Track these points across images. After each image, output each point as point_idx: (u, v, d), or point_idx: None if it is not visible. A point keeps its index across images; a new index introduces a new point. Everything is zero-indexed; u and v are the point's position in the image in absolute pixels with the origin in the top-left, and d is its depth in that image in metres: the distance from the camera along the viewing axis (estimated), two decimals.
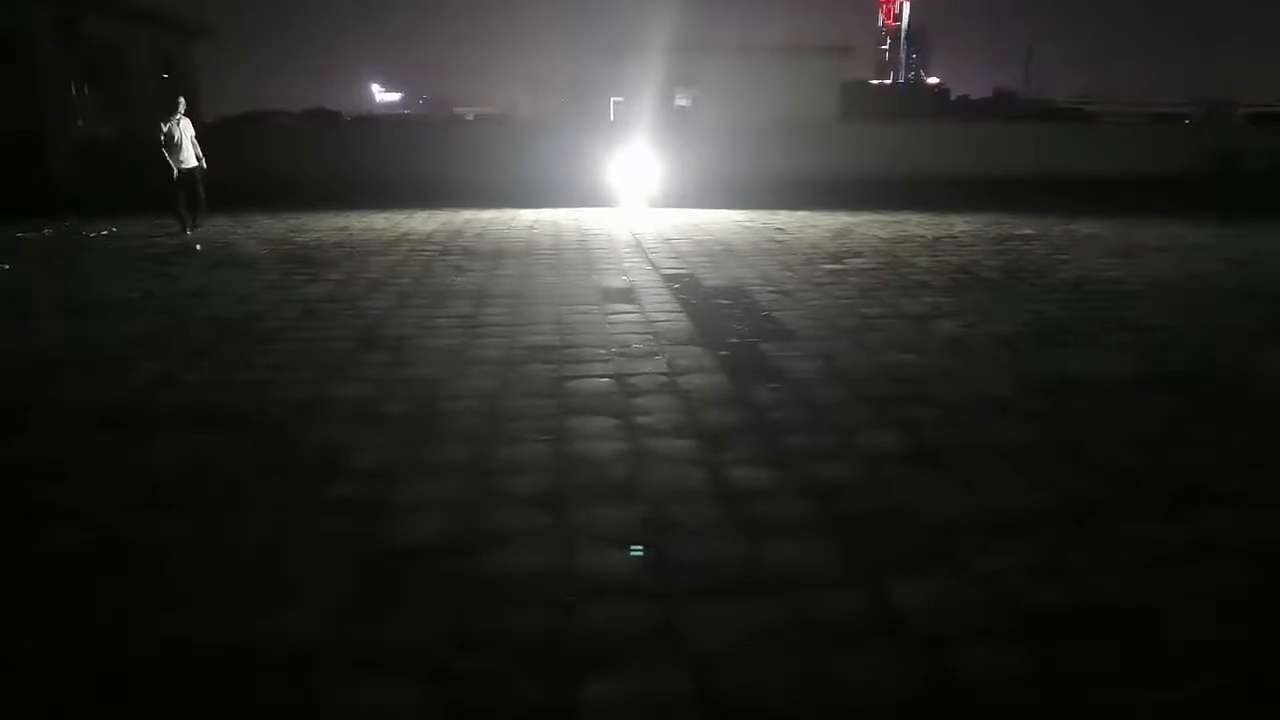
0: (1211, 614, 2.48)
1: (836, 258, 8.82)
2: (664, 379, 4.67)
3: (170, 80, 17.48)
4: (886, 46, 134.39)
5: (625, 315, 6.21)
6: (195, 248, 9.63)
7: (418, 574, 2.69)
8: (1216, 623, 2.44)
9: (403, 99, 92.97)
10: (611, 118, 24.40)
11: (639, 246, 9.69)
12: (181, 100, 10.45)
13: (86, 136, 15.06)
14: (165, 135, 10.14)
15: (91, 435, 3.89)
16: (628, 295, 6.93)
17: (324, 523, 3.03)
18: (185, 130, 10.34)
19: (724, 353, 5.20)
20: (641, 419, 4.03)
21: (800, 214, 12.77)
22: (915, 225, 11.49)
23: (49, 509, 3.16)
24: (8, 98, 14.23)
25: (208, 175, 10.54)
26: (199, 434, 3.87)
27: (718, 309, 6.45)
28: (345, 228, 11.26)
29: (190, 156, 10.35)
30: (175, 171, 10.19)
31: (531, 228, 11.36)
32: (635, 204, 14.37)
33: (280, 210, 12.96)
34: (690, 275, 7.85)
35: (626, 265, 8.42)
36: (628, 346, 5.34)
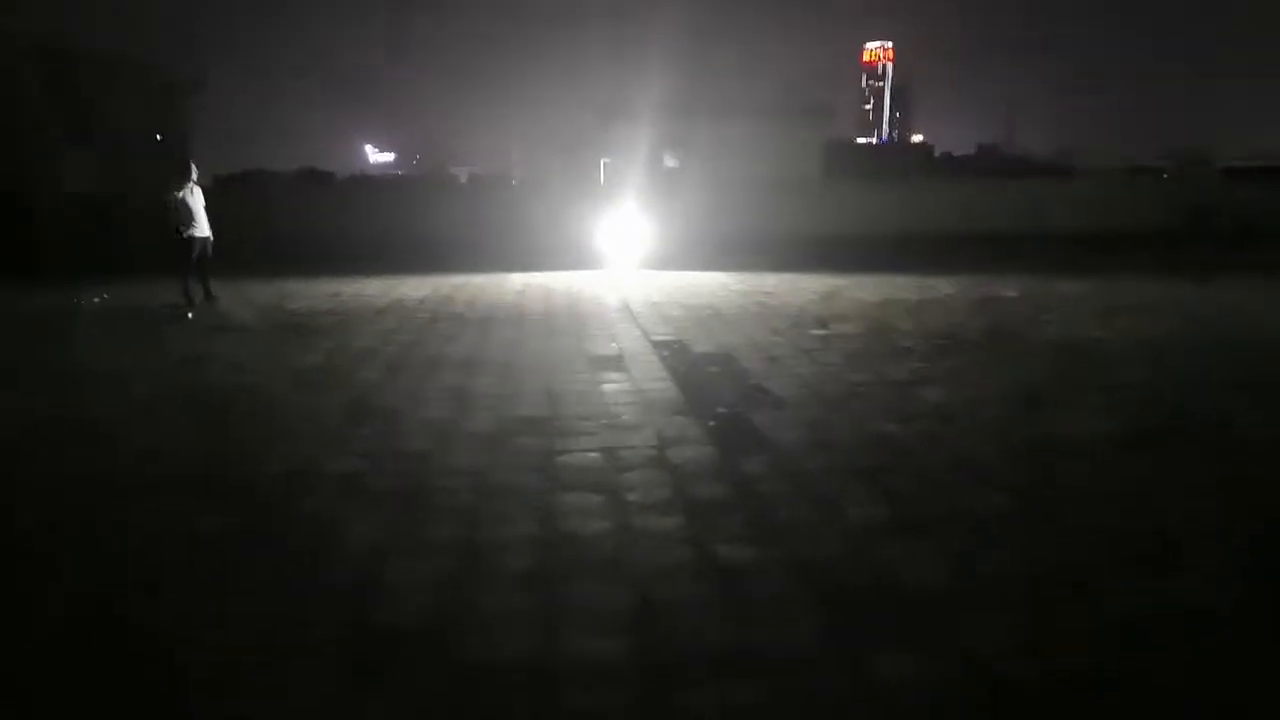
0: (1197, 682, 2.50)
1: (823, 322, 8.94)
2: (653, 451, 4.71)
3: (166, 142, 17.72)
4: (870, 105, 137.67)
5: (615, 384, 6.28)
6: (188, 315, 9.70)
7: (403, 656, 2.68)
8: (1202, 692, 2.46)
9: (396, 159, 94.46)
10: (601, 179, 24.85)
11: (628, 311, 9.81)
12: (194, 167, 10.39)
13: (77, 196, 15.16)
14: (179, 203, 9.96)
15: (78, 509, 3.88)
16: (617, 363, 7.00)
17: (309, 603, 3.03)
18: (197, 199, 10.19)
19: (712, 423, 5.25)
20: (630, 495, 4.06)
21: (787, 276, 12.96)
22: (900, 287, 11.67)
23: (31, 585, 3.15)
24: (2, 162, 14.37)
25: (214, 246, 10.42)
26: (188, 509, 3.87)
27: (706, 377, 6.52)
28: (337, 293, 11.37)
29: (204, 225, 10.18)
30: (191, 241, 9.99)
31: (522, 292, 11.50)
32: (625, 266, 14.57)
33: (273, 275, 13.09)
34: (679, 341, 7.95)
35: (616, 331, 8.52)
36: (617, 417, 5.38)
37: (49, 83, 14.70)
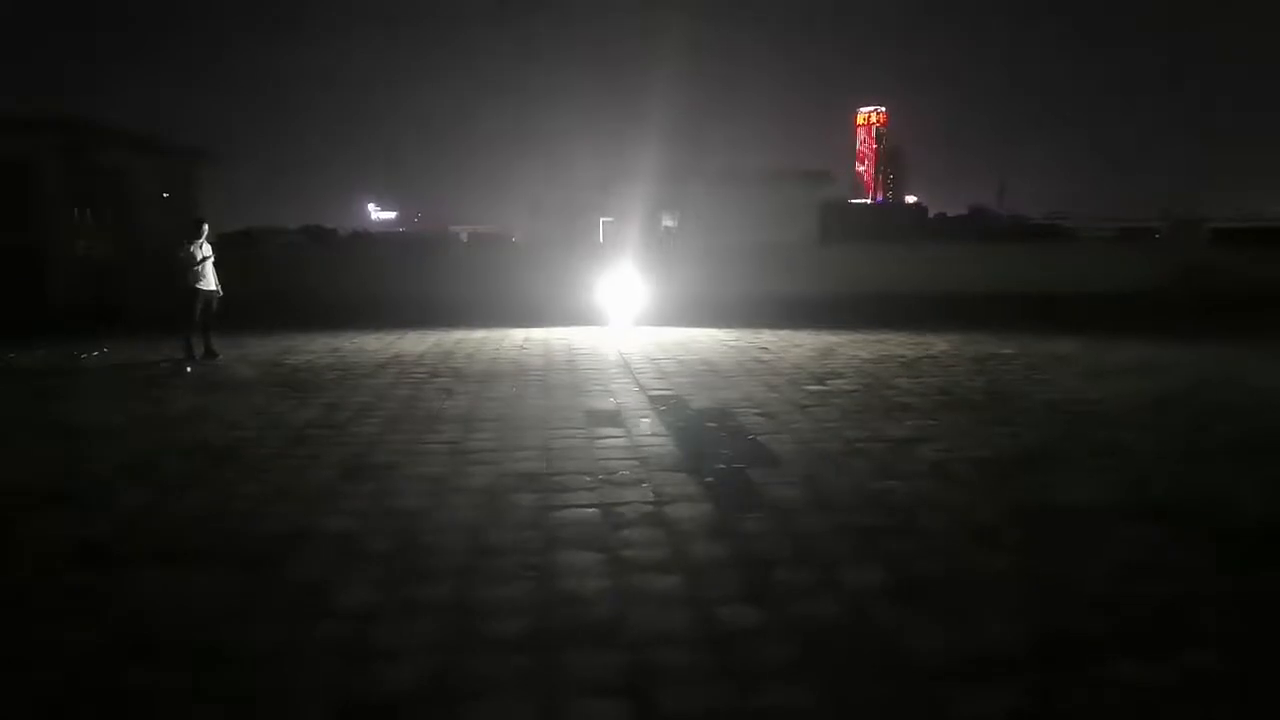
0: None
1: (820, 379, 8.97)
2: (650, 508, 4.68)
3: (173, 199, 18.02)
4: (865, 168, 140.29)
5: (612, 440, 6.27)
6: (187, 370, 9.72)
7: None
8: None
9: (398, 216, 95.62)
10: (601, 238, 25.17)
11: (626, 367, 9.85)
12: (205, 225, 10.57)
13: (86, 257, 15.41)
14: (188, 256, 10.10)
15: (70, 572, 3.84)
16: (614, 418, 7.01)
17: (303, 669, 2.98)
18: (207, 254, 10.35)
19: (710, 479, 5.23)
20: (627, 553, 4.03)
21: (784, 333, 13.05)
22: (896, 345, 11.74)
23: (17, 653, 3.10)
24: (9, 220, 14.66)
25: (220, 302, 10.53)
26: (180, 571, 3.84)
27: (703, 432, 6.52)
28: (337, 349, 11.42)
29: (211, 280, 10.35)
30: (196, 292, 10.12)
31: (521, 348, 11.55)
32: (623, 323, 14.67)
33: (273, 330, 13.16)
34: (676, 397, 7.96)
35: (614, 386, 8.54)
36: (614, 473, 5.37)
37: (64, 151, 15.05)
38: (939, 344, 11.82)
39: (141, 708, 2.76)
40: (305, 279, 17.20)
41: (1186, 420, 7.00)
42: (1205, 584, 3.71)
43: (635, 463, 5.62)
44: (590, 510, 4.66)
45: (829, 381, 8.81)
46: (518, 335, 12.91)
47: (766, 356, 10.65)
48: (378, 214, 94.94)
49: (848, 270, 18.28)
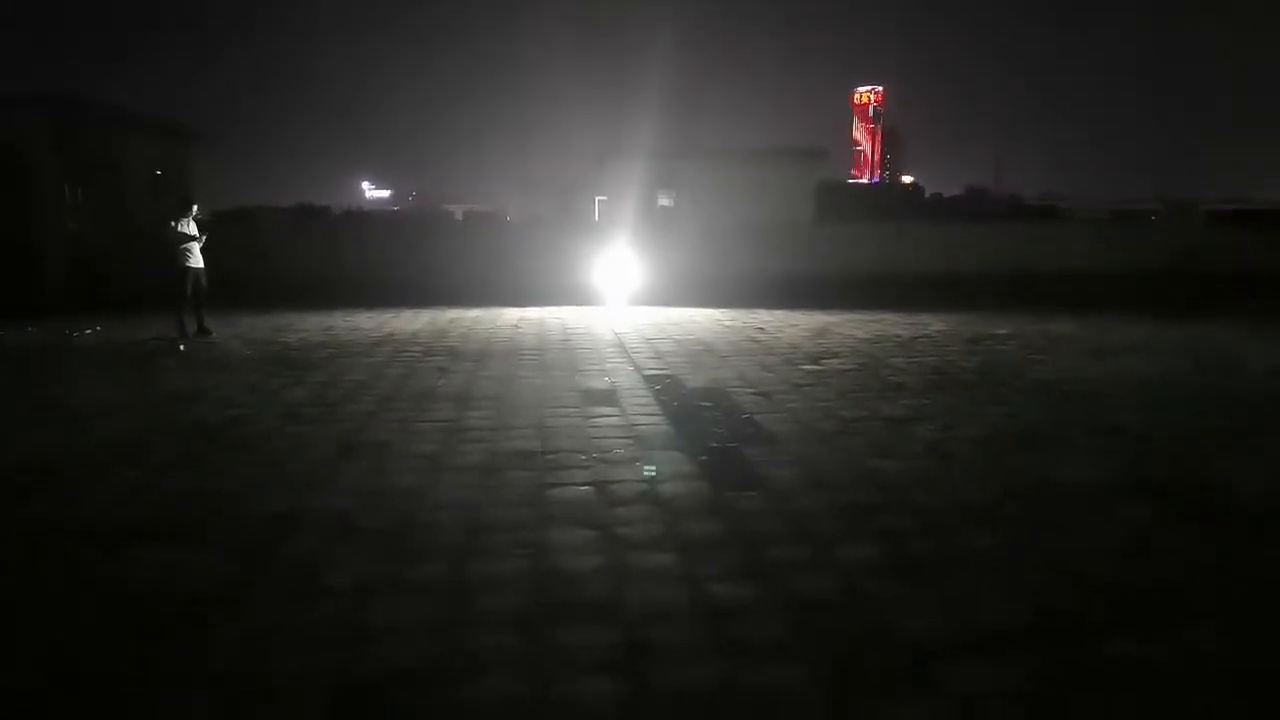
0: None
1: (815, 358, 8.96)
2: (644, 487, 4.68)
3: (166, 179, 17.87)
4: (861, 147, 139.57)
5: (607, 419, 6.26)
6: (180, 348, 9.67)
7: (391, 705, 2.63)
8: None
9: (392, 195, 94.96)
10: (596, 217, 25.05)
11: (621, 346, 9.82)
12: (194, 205, 10.63)
13: (78, 237, 15.28)
14: (176, 235, 10.17)
15: (58, 553, 3.83)
16: (609, 397, 6.99)
17: (295, 649, 2.97)
18: (193, 231, 10.38)
19: (704, 458, 5.23)
20: (621, 530, 4.02)
21: (779, 313, 13.02)
22: (892, 325, 11.73)
23: (13, 638, 3.09)
24: (2, 201, 14.52)
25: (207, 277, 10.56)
26: (171, 551, 3.82)
27: (698, 412, 6.51)
28: (330, 327, 11.36)
29: (198, 257, 10.39)
30: (184, 271, 10.19)
31: (516, 327, 11.51)
32: (619, 302, 14.62)
33: (267, 309, 13.09)
34: (671, 376, 7.95)
35: (609, 366, 8.51)
36: (609, 452, 5.36)
37: (54, 131, 14.87)
38: (935, 324, 11.81)
39: (139, 687, 2.75)
40: (298, 257, 17.09)
41: (1185, 401, 7.01)
42: (1203, 562, 3.72)
43: (630, 441, 5.61)
44: (585, 488, 4.65)
45: (824, 361, 8.80)
46: (512, 314, 12.86)
47: (762, 336, 10.63)
48: (372, 192, 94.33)
49: (844, 250, 18.23)
